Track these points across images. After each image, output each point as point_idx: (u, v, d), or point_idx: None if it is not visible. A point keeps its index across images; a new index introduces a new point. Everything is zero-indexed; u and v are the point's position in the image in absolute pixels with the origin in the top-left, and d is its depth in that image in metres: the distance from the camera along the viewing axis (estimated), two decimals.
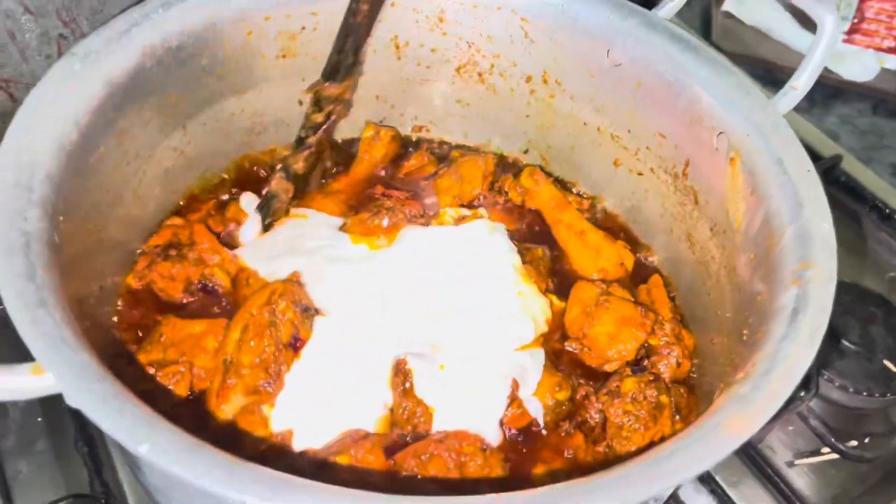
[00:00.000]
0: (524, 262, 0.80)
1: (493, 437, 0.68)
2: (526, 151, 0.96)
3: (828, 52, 0.71)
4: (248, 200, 0.83)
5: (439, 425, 0.68)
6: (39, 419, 0.84)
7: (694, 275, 0.80)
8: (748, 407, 0.50)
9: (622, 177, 0.87)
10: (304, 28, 0.83)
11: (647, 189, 0.85)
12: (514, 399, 0.70)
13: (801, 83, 0.72)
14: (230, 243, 0.79)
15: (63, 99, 0.64)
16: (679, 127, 0.78)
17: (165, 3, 0.73)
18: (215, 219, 0.81)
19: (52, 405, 0.84)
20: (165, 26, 0.73)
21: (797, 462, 0.87)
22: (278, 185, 0.82)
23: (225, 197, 0.85)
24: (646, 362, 0.75)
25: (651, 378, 0.71)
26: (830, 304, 0.56)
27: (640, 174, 0.86)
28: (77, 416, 0.81)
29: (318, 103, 0.85)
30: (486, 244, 0.81)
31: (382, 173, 0.91)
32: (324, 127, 0.85)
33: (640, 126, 0.83)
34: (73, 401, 0.48)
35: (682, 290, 0.83)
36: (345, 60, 0.83)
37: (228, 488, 0.42)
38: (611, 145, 0.87)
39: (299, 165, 0.84)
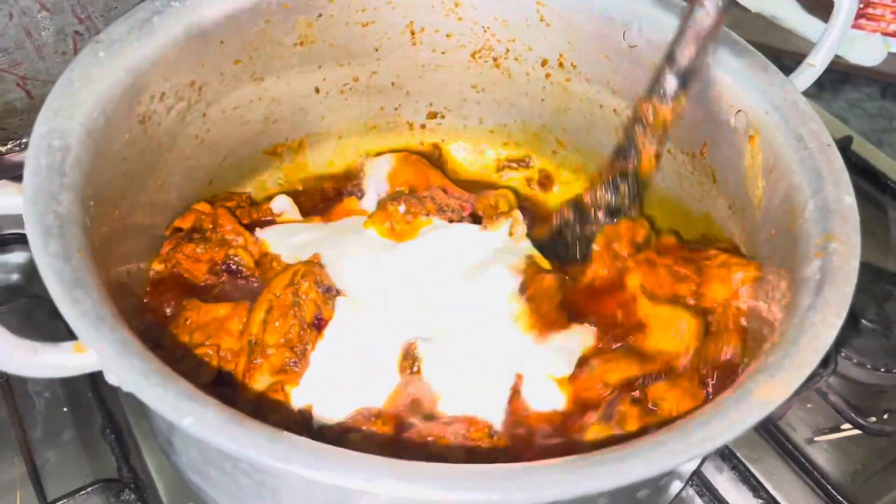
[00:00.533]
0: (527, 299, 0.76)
1: (500, 423, 0.68)
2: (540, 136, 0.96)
3: (845, 28, 0.72)
4: (281, 202, 0.84)
5: (444, 410, 0.68)
6: (65, 409, 0.85)
7: None
8: (778, 374, 0.50)
9: None
10: (320, 15, 0.84)
11: (664, 169, 0.85)
12: (516, 391, 0.70)
13: (818, 60, 0.73)
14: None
15: (89, 86, 0.64)
16: (696, 107, 0.78)
17: None
18: (244, 210, 0.82)
19: (77, 397, 0.85)
20: (185, 15, 0.73)
21: (817, 439, 0.88)
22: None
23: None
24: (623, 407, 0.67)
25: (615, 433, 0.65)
26: (855, 274, 0.56)
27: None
28: (103, 404, 0.83)
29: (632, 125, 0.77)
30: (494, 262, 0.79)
31: None
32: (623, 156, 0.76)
33: None
34: (114, 377, 0.49)
35: None
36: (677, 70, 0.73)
37: (273, 457, 0.43)
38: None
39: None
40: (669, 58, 0.73)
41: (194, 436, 0.44)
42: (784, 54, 1.37)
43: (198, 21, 0.75)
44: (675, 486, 0.73)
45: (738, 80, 0.74)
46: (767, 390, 0.49)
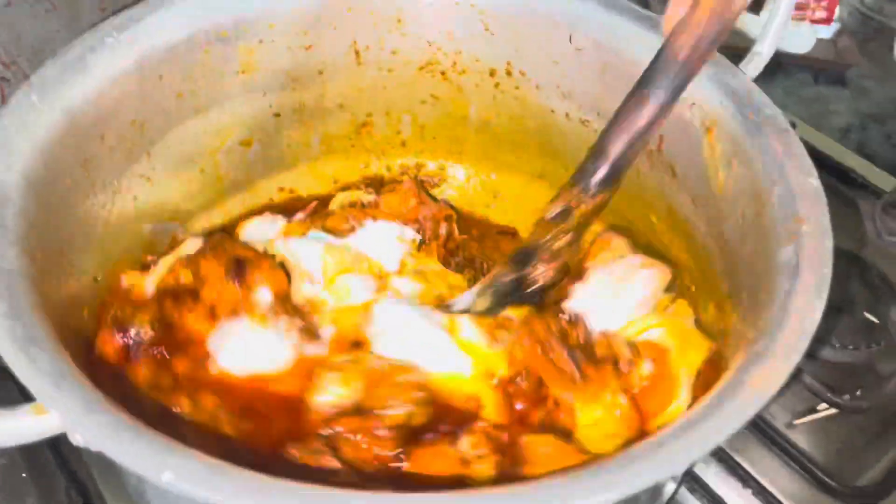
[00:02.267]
0: None
1: None
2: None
3: (787, 15, 0.73)
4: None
5: None
6: (24, 475, 0.81)
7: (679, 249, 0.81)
8: (767, 362, 0.50)
9: None
10: (261, 41, 0.81)
11: None
12: None
13: (764, 48, 0.74)
14: None
15: (24, 132, 0.61)
16: None
17: (118, 26, 0.71)
18: None
19: (36, 461, 0.81)
20: (121, 51, 0.71)
21: (796, 422, 0.88)
22: None
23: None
24: None
25: None
26: (831, 255, 0.57)
27: None
28: (66, 465, 0.79)
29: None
30: None
31: None
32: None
33: (608, 107, 0.82)
34: (79, 437, 0.45)
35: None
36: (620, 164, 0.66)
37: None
38: (581, 130, 0.87)
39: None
40: (599, 149, 0.67)
41: (175, 491, 0.41)
42: (724, 50, 1.41)
43: (134, 56, 0.72)
44: (670, 487, 0.72)
45: None
46: (760, 380, 0.48)
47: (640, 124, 0.65)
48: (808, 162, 0.63)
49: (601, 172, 0.66)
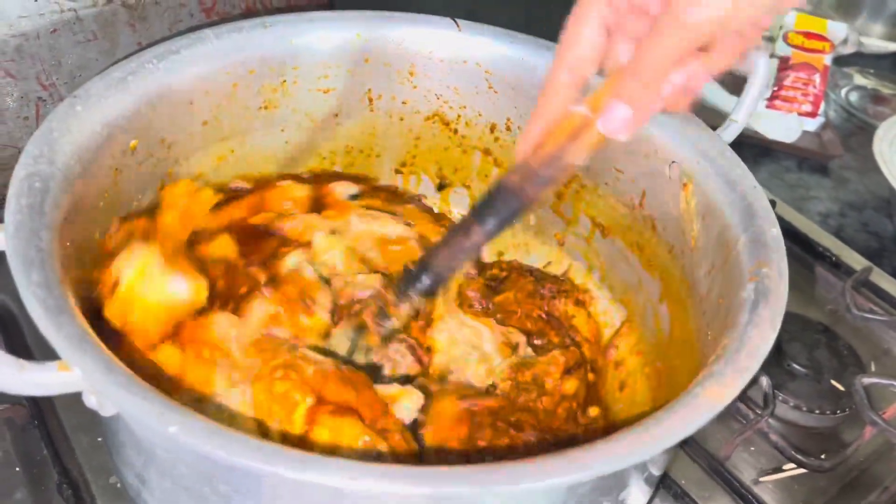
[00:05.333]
0: None
1: None
2: None
3: (762, 89, 0.80)
4: None
5: None
6: (17, 469, 0.83)
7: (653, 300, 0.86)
8: (722, 379, 0.55)
9: (583, 213, 0.94)
10: (284, 81, 0.89)
11: (606, 225, 0.92)
12: None
13: (740, 117, 0.82)
14: None
15: (67, 136, 0.67)
16: (634, 161, 0.86)
17: (159, 55, 0.79)
18: None
19: (30, 456, 0.84)
20: (159, 76, 0.78)
21: (762, 479, 0.92)
22: None
23: None
24: None
25: None
26: (786, 294, 0.62)
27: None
28: (59, 461, 0.82)
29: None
30: None
31: None
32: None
33: (597, 165, 0.91)
34: (93, 398, 0.50)
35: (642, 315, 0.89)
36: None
37: (261, 461, 0.45)
38: (571, 184, 0.94)
39: None
40: (429, 258, 0.71)
41: (180, 445, 0.45)
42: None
43: (169, 82, 0.79)
44: None
45: (671, 135, 0.81)
46: (715, 393, 0.53)
47: (465, 245, 0.68)
48: (773, 214, 0.70)
49: (425, 282, 0.70)
